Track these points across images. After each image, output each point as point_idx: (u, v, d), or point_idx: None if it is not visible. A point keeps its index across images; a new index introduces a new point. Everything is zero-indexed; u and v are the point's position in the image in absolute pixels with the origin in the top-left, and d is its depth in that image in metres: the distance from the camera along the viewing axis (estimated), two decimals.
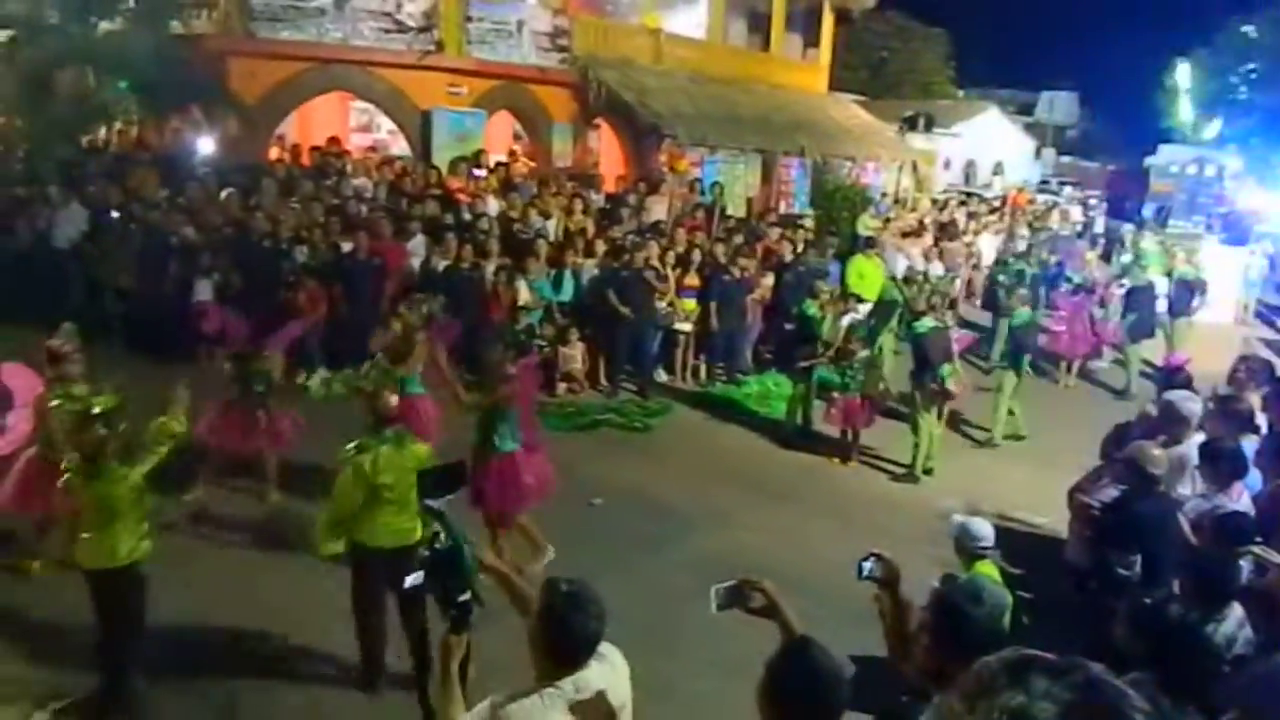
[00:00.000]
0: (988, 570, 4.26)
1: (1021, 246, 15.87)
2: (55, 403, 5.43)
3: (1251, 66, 30.72)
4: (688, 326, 11.31)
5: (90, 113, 13.44)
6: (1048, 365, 12.65)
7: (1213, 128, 33.45)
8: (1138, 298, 12.58)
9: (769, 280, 11.87)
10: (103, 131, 14.40)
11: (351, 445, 4.86)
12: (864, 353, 9.23)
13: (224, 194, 11.35)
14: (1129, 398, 11.53)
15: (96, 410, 4.46)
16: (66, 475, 4.53)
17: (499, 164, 14.94)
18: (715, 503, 8.06)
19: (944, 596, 2.76)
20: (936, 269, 14.09)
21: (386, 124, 16.75)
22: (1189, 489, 5.07)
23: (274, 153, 14.77)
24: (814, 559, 6.77)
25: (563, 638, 2.63)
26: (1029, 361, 10.40)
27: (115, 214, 10.90)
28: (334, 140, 14.49)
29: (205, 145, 13.68)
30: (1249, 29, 31.37)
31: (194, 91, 13.43)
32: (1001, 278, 13.24)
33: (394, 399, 4.99)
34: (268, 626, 5.56)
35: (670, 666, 5.12)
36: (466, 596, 2.87)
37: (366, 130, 17.76)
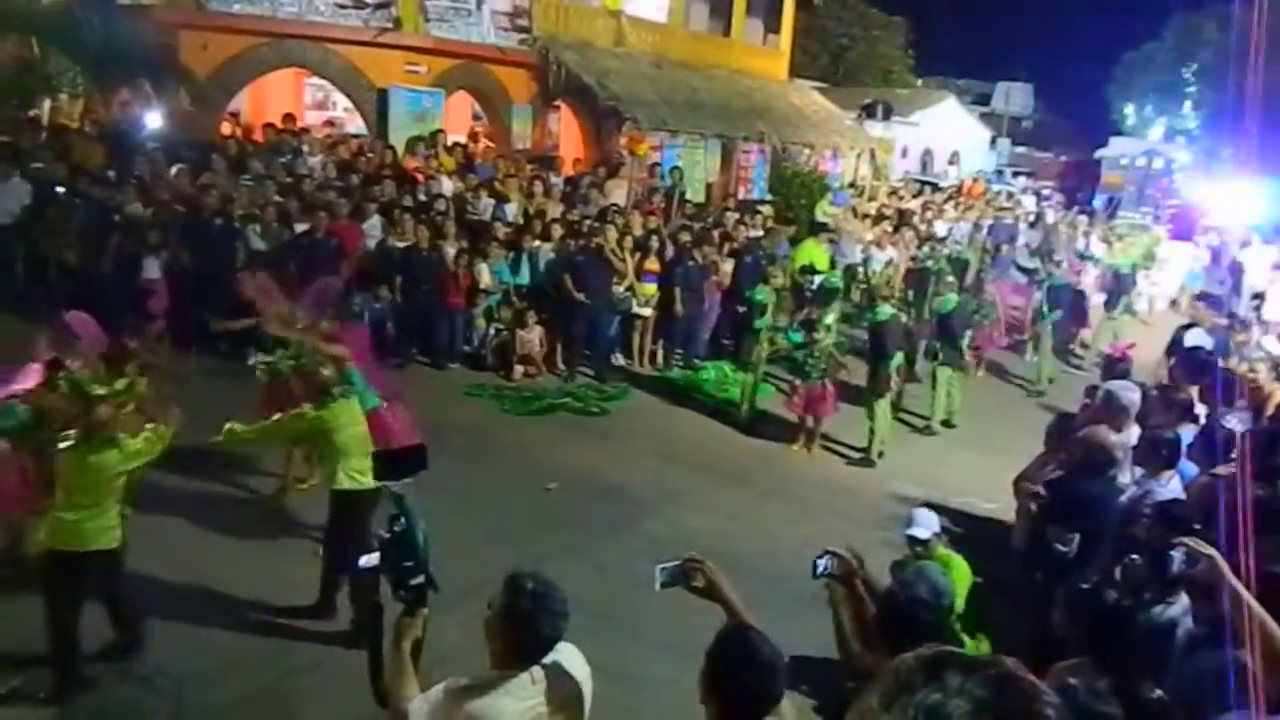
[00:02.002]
0: (943, 556, 4.37)
1: (963, 235, 16.09)
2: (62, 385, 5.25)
3: (1200, 61, 31.42)
4: (647, 311, 11.32)
5: (34, 84, 13.04)
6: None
7: (1162, 121, 34.19)
8: (1058, 295, 12.41)
9: (729, 266, 11.92)
10: (47, 104, 13.98)
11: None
12: (826, 340, 9.25)
13: (174, 170, 11.10)
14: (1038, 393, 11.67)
15: (102, 392, 4.61)
16: (64, 450, 4.56)
17: (456, 144, 14.78)
18: (672, 487, 8.12)
19: (890, 591, 2.83)
20: (889, 255, 14.20)
21: (342, 101, 16.47)
22: (1127, 477, 5.22)
23: (226, 129, 14.45)
24: (770, 542, 6.87)
25: (527, 636, 2.64)
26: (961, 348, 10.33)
27: (60, 188, 10.61)
28: (289, 117, 14.21)
29: (154, 120, 13.33)
30: (1199, 23, 32.05)
31: (143, 64, 13.10)
32: (931, 264, 12.93)
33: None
34: (218, 610, 5.51)
35: (627, 650, 5.16)
36: (420, 579, 2.88)
37: (322, 108, 17.45)
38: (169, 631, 5.22)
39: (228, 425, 5.25)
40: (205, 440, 5.35)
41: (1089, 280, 14.75)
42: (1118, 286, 13.47)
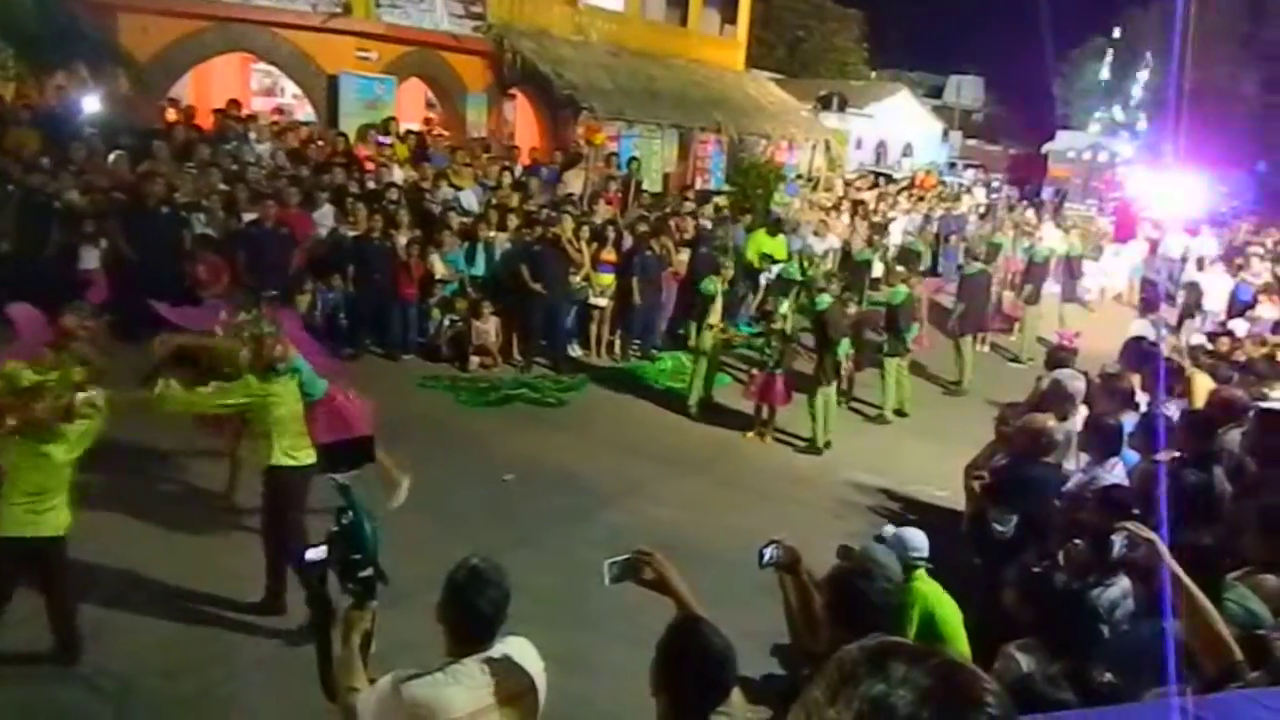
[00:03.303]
0: (923, 583, 4.39)
1: (914, 226, 16.30)
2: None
3: (1145, 57, 32.12)
4: (604, 301, 11.29)
5: None
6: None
7: (1107, 116, 34.94)
8: (970, 287, 12.00)
9: (684, 256, 11.93)
10: None
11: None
12: (779, 328, 9.32)
13: (112, 156, 10.78)
14: (960, 393, 11.40)
15: (36, 380, 4.50)
16: (9, 444, 4.48)
17: (409, 132, 14.59)
18: (628, 477, 8.11)
19: (837, 576, 2.86)
20: (830, 244, 14.29)
21: (291, 88, 16.14)
22: (1074, 464, 5.33)
23: (170, 115, 14.09)
24: (726, 532, 6.89)
25: (467, 614, 2.66)
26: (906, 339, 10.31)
27: None
28: (234, 103, 13.88)
29: (92, 105, 12.90)
30: (1145, 20, 32.74)
31: (80, 47, 12.63)
32: (858, 255, 12.79)
33: None
34: (164, 607, 5.39)
35: (582, 639, 5.16)
36: (369, 572, 2.86)
37: (269, 94, 17.06)
38: (112, 631, 5.08)
39: (163, 382, 5.02)
40: (139, 392, 5.10)
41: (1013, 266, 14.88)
42: (1031, 275, 13.66)
